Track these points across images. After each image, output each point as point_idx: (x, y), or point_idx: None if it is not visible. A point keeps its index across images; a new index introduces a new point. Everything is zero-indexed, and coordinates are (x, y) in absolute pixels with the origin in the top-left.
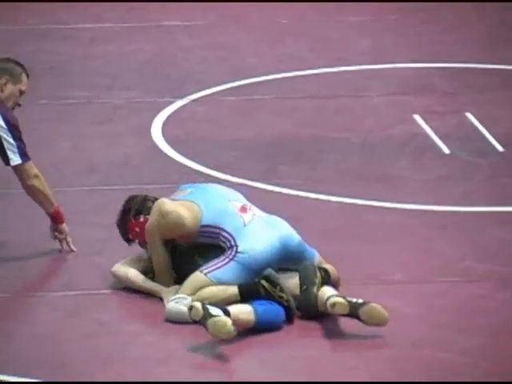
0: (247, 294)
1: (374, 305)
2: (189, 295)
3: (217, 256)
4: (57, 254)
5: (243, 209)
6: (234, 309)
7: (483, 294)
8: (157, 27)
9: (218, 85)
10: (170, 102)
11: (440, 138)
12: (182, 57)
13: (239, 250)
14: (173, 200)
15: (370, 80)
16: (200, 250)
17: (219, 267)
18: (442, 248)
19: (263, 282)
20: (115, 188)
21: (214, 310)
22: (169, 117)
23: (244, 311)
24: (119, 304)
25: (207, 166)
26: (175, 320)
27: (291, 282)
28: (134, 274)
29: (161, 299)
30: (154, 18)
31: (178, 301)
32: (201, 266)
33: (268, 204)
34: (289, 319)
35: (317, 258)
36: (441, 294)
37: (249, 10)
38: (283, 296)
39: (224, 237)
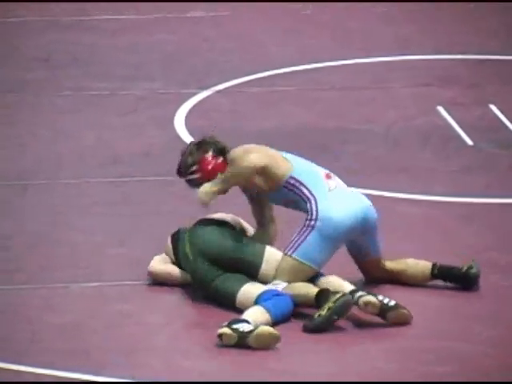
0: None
1: (403, 311)
2: (286, 281)
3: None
4: (80, 245)
5: (328, 176)
6: (250, 316)
7: (507, 284)
8: (180, 18)
9: (242, 76)
10: (194, 93)
11: (463, 129)
12: (205, 48)
13: (319, 216)
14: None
15: (393, 71)
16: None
17: (300, 242)
18: (466, 239)
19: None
20: (138, 179)
21: (244, 327)
22: (192, 108)
23: (258, 314)
24: (143, 295)
25: None
26: None
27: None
28: (174, 270)
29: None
30: (177, 8)
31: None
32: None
33: None
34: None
35: (379, 252)
36: None
37: (272, 1)
38: (322, 311)
39: (306, 196)
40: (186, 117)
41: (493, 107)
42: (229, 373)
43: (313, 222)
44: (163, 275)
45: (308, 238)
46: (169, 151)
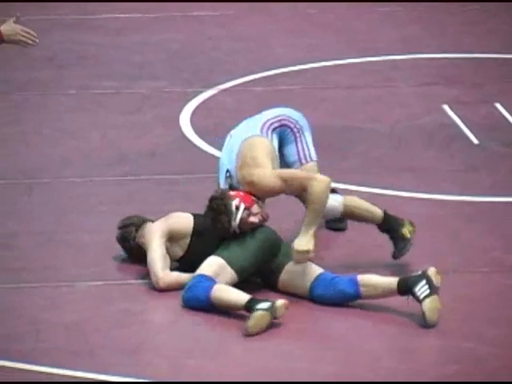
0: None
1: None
2: None
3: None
4: (85, 244)
5: None
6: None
7: (511, 284)
8: (185, 17)
9: (247, 75)
10: (199, 92)
11: (469, 128)
12: (210, 47)
13: (295, 119)
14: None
15: (398, 70)
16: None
17: (307, 145)
18: (470, 238)
19: None
20: (144, 178)
21: (263, 304)
22: (197, 107)
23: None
24: (147, 294)
25: None
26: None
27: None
28: (191, 276)
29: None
30: (182, 7)
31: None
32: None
33: None
34: None
35: None
36: (469, 284)
37: (278, 0)
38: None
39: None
40: (192, 115)
41: (499, 106)
42: (233, 372)
43: (298, 125)
44: (179, 285)
45: (307, 138)
46: (174, 150)
